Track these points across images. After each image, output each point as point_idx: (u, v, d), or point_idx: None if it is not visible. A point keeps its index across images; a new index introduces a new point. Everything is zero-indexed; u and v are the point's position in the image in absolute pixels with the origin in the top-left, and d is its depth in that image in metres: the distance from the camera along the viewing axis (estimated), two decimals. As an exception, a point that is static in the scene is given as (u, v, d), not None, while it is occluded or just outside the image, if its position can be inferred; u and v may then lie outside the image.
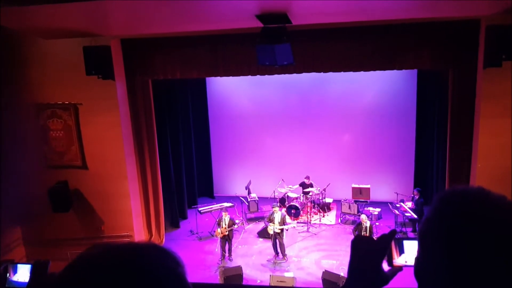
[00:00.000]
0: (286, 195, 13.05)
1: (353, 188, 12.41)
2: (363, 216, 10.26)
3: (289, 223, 10.74)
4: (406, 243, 1.54)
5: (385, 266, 1.38)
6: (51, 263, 2.12)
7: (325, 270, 8.86)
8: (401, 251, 1.52)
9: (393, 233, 1.39)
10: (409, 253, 1.53)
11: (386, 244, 1.36)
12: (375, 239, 1.36)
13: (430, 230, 1.07)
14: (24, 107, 9.42)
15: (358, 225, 10.24)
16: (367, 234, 9.60)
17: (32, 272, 1.77)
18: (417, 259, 1.12)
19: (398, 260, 1.51)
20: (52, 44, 8.95)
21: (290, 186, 12.94)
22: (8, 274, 2.23)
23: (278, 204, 11.99)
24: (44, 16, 7.30)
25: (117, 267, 0.81)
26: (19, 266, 2.24)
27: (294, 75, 10.04)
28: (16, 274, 2.25)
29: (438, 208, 1.06)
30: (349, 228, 11.73)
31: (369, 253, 1.32)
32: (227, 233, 10.25)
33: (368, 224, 10.00)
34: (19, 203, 9.68)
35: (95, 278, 0.79)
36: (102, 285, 0.78)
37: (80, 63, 8.69)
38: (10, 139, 9.41)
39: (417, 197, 11.15)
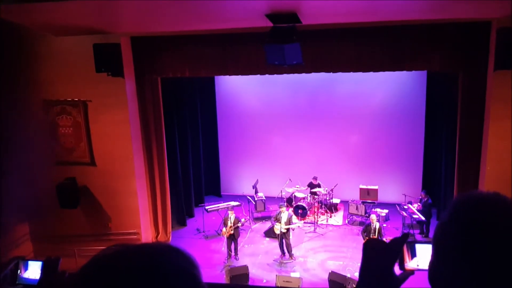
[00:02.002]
0: (293, 195, 13.02)
1: (361, 189, 12.35)
2: (372, 216, 10.14)
3: (295, 223, 10.70)
4: (418, 247, 1.53)
5: (397, 270, 1.37)
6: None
7: (332, 271, 8.80)
8: (413, 254, 1.52)
9: (405, 236, 1.38)
10: (421, 256, 1.52)
11: (398, 248, 1.34)
12: (387, 242, 1.34)
13: (445, 235, 1.06)
14: (33, 103, 9.48)
15: (367, 226, 10.11)
16: (376, 236, 9.52)
17: (43, 269, 1.77)
18: (431, 263, 1.11)
19: (410, 264, 1.50)
20: (62, 41, 9.01)
21: (298, 186, 12.91)
22: (19, 271, 2.24)
23: (285, 204, 11.95)
24: (55, 13, 7.34)
25: (132, 269, 0.81)
26: (30, 263, 2.25)
27: (303, 74, 10.03)
28: (27, 271, 2.25)
29: (453, 213, 1.05)
30: (356, 229, 11.69)
31: (380, 257, 1.31)
32: (232, 232, 10.24)
33: (377, 225, 9.89)
34: (27, 199, 9.76)
35: (110, 279, 0.79)
36: (118, 287, 0.78)
37: (90, 60, 8.73)
38: (20, 135, 9.48)
39: (425, 199, 11.07)
